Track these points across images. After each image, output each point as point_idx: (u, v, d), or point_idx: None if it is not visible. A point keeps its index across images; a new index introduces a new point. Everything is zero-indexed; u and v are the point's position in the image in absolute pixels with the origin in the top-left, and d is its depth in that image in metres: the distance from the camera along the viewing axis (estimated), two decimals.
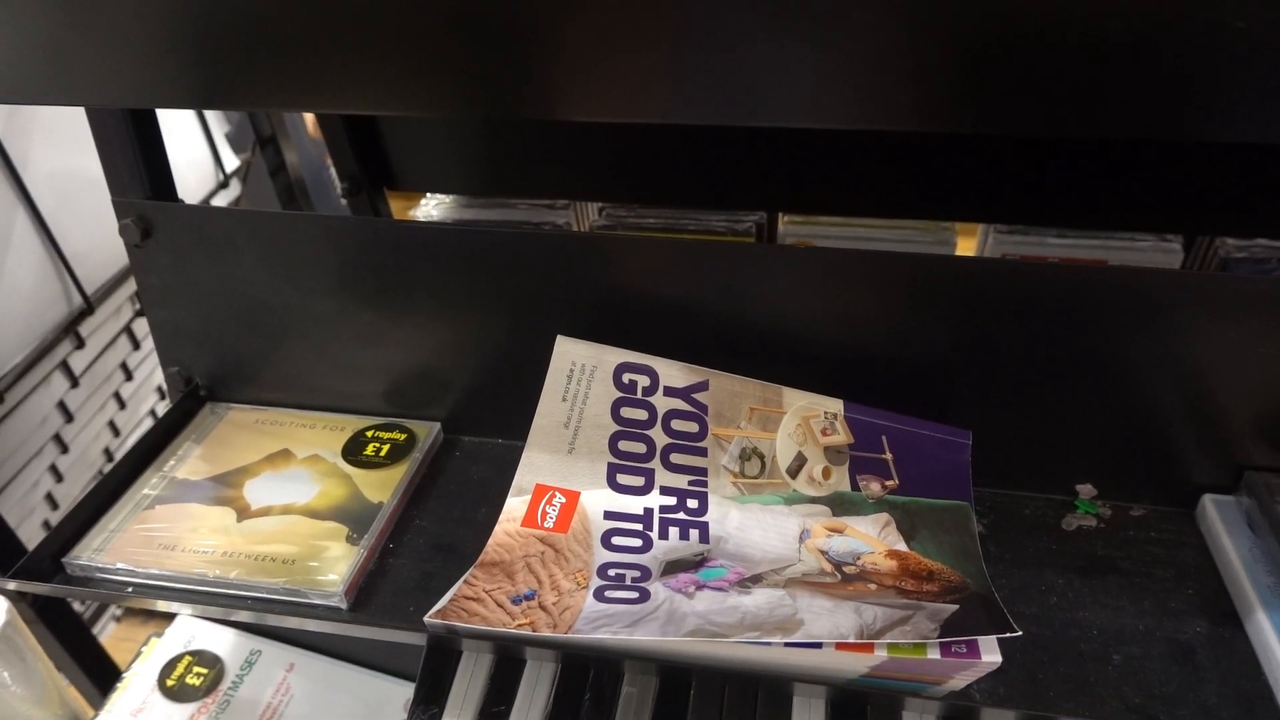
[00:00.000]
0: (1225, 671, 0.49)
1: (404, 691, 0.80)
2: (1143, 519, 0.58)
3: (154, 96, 0.44)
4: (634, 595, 0.46)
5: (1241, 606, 0.51)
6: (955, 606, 0.44)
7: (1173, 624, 0.51)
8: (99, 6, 0.39)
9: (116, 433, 1.22)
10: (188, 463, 0.64)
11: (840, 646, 0.40)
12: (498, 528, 0.51)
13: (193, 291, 0.65)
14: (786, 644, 0.41)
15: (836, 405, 0.55)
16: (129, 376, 1.21)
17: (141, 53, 0.41)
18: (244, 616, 0.57)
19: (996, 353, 0.56)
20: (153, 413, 1.28)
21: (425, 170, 0.91)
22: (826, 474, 0.53)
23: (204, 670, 0.77)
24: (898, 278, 0.54)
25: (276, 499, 0.60)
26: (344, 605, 0.54)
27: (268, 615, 0.54)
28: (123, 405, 1.22)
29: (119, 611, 1.31)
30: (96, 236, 0.99)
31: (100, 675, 0.95)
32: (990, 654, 0.41)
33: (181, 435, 0.67)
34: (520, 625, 0.45)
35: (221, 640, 0.81)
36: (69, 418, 1.07)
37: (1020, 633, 0.42)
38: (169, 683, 0.76)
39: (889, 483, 0.53)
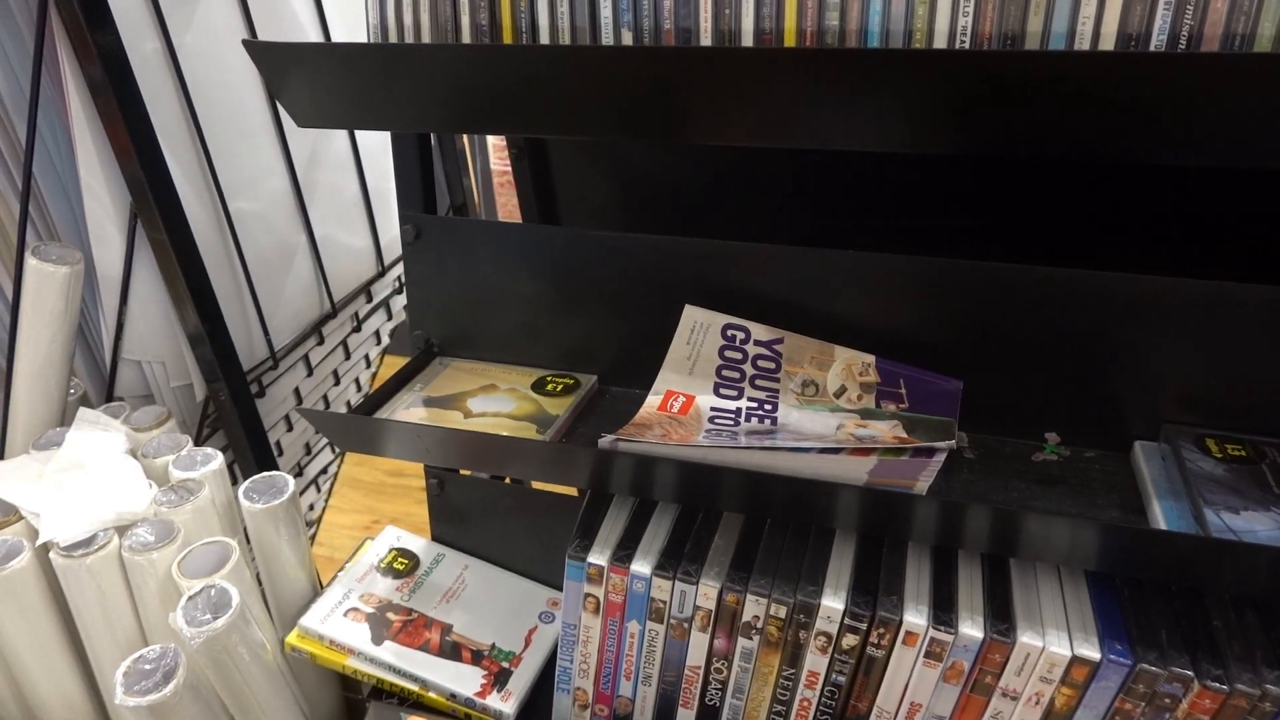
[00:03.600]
0: None
1: (545, 593, 1.06)
2: (1092, 458, 0.82)
3: (432, 125, 0.76)
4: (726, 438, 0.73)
5: (1145, 501, 0.74)
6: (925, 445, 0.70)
7: (1096, 512, 0.74)
8: (395, 74, 0.70)
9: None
10: (427, 388, 0.94)
11: (850, 453, 0.66)
12: (640, 411, 0.79)
13: (440, 277, 0.97)
14: (820, 450, 0.67)
15: (870, 358, 0.81)
16: (336, 381, 1.54)
17: (424, 99, 0.71)
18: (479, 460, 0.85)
19: (993, 334, 0.81)
20: None
21: (585, 213, 1.21)
22: (860, 398, 0.79)
23: (405, 561, 1.06)
24: (918, 274, 0.81)
25: (489, 409, 0.90)
26: None
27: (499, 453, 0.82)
28: (327, 405, 1.55)
29: None
30: (346, 259, 1.34)
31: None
32: (940, 451, 0.66)
33: (419, 377, 0.98)
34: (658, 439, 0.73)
35: (416, 544, 1.10)
36: (299, 400, 1.40)
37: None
38: (381, 564, 1.05)
39: (901, 406, 0.79)
